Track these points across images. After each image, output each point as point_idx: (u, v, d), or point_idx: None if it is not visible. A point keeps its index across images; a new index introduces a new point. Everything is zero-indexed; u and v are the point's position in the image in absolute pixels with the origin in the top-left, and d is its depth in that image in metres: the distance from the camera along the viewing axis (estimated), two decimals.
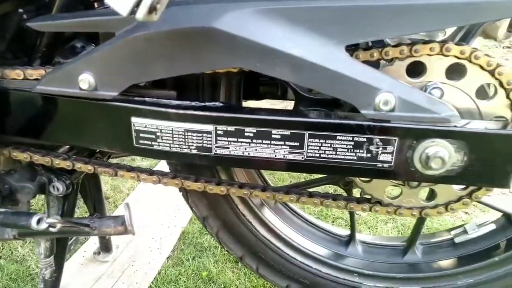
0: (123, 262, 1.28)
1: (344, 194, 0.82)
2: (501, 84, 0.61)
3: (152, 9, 0.46)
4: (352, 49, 0.62)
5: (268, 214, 0.91)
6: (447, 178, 0.61)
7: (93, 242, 1.34)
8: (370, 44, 0.68)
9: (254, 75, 0.71)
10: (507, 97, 0.61)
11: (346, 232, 0.96)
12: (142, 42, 0.59)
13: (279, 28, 0.57)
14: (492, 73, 0.60)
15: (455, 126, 0.58)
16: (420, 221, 0.90)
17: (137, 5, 0.46)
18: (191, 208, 0.89)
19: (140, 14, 0.46)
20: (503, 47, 3.61)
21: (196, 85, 0.76)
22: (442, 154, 0.58)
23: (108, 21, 0.62)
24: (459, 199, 0.70)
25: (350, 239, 0.94)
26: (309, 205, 0.75)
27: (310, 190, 0.77)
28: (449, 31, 0.74)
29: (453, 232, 0.92)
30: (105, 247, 1.28)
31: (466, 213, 1.52)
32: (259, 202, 0.90)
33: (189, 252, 1.31)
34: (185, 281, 1.20)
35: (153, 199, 1.59)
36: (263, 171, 0.93)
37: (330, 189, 1.23)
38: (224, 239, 0.91)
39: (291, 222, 0.93)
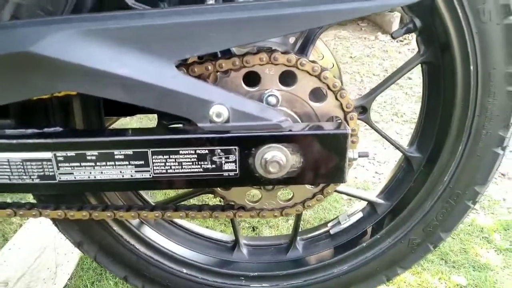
0: None
1: (218, 203, 0.83)
2: (328, 87, 0.66)
3: None
4: (187, 64, 0.64)
5: (148, 232, 0.89)
6: (290, 180, 0.65)
7: None
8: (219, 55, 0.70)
9: None
10: (336, 98, 0.67)
11: (231, 237, 0.98)
12: None
13: (104, 48, 0.56)
14: (318, 77, 0.65)
15: (290, 131, 0.62)
16: (297, 219, 0.94)
17: None
18: (64, 235, 0.85)
19: None
20: (397, 41, 3.92)
21: (45, 110, 0.72)
22: (278, 158, 0.61)
23: None
24: (314, 195, 0.75)
25: (235, 244, 0.96)
26: (175, 218, 0.75)
27: (178, 203, 0.77)
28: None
29: (329, 224, 0.98)
30: None
31: None
32: (138, 221, 0.89)
33: (88, 278, 1.26)
34: None
35: (50, 227, 1.49)
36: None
37: None
38: (103, 262, 0.88)
39: (173, 235, 0.93)
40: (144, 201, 0.91)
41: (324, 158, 0.63)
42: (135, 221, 0.88)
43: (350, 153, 0.64)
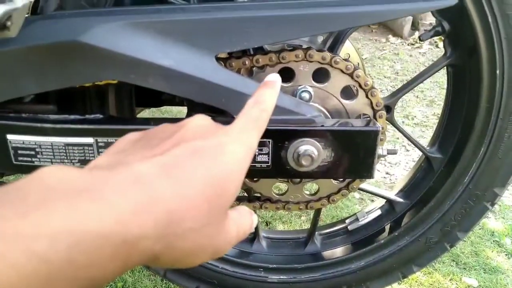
0: None
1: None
2: (360, 86, 0.68)
3: (2, 27, 0.46)
4: (224, 58, 0.66)
5: None
6: (320, 173, 0.67)
7: None
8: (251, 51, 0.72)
9: None
10: (367, 96, 0.69)
11: None
12: (6, 58, 0.58)
13: (149, 40, 0.58)
14: (351, 76, 0.67)
15: (322, 126, 0.64)
16: (316, 214, 0.96)
17: None
18: None
19: None
20: (408, 44, 3.94)
21: (83, 97, 0.75)
22: (311, 152, 0.63)
23: None
24: (339, 190, 0.77)
25: (255, 236, 0.98)
26: None
27: None
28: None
29: (347, 221, 1.00)
30: None
31: None
32: None
33: None
34: None
35: None
36: None
37: None
38: None
39: None
40: None
41: (354, 154, 0.65)
42: None
43: (379, 150, 0.66)
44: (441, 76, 2.93)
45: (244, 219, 0.34)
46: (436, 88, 2.86)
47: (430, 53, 3.69)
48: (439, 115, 0.88)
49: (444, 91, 0.85)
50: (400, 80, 3.13)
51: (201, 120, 0.34)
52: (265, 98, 0.38)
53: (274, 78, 0.40)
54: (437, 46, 3.79)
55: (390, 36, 4.22)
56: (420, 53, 3.74)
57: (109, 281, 0.25)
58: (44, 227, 0.21)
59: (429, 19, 4.25)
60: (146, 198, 0.25)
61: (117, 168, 0.26)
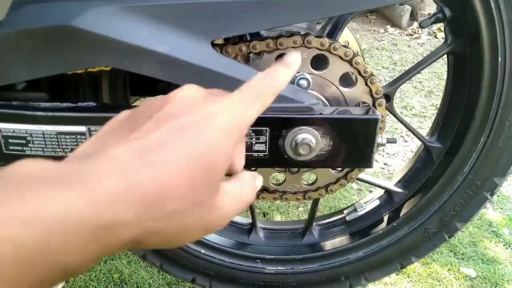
0: None
1: None
2: (359, 73, 0.66)
3: None
4: (221, 44, 0.64)
5: None
6: (318, 163, 0.65)
7: None
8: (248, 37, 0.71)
9: None
10: (366, 84, 0.67)
11: (248, 220, 0.99)
12: None
13: (144, 25, 0.57)
14: (350, 62, 0.65)
15: (321, 114, 0.63)
16: (314, 204, 0.95)
17: None
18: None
19: None
20: (407, 35, 3.91)
21: (75, 84, 0.73)
22: (309, 140, 0.62)
23: None
24: (337, 180, 0.76)
25: (252, 227, 0.97)
26: None
27: None
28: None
29: (345, 211, 0.99)
30: None
31: None
32: None
33: None
34: (95, 286, 1.16)
35: None
36: None
37: None
38: None
39: None
40: None
41: (353, 143, 0.64)
42: None
43: (379, 139, 0.65)
44: (440, 67, 2.91)
45: (245, 190, 0.32)
46: (435, 78, 2.84)
47: (429, 43, 3.67)
48: (438, 106, 0.87)
49: (443, 82, 0.84)
50: (398, 70, 3.11)
51: (190, 90, 0.32)
52: (277, 73, 0.34)
53: (293, 59, 0.36)
54: (435, 37, 3.76)
55: (388, 26, 4.19)
56: (418, 43, 3.71)
57: (90, 267, 0.25)
58: (17, 212, 0.22)
59: (428, 9, 4.22)
60: (122, 185, 0.25)
61: (93, 156, 0.26)
